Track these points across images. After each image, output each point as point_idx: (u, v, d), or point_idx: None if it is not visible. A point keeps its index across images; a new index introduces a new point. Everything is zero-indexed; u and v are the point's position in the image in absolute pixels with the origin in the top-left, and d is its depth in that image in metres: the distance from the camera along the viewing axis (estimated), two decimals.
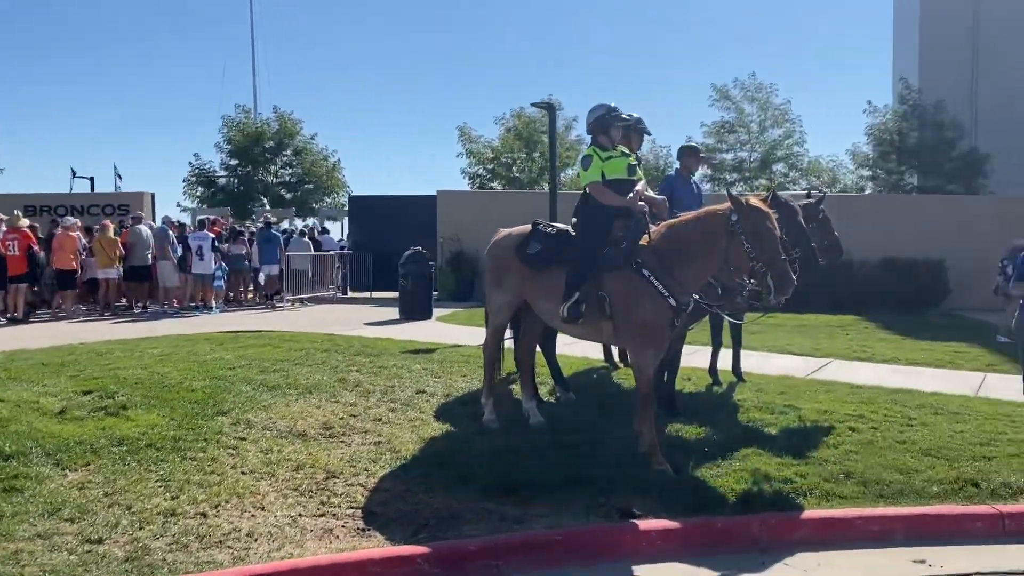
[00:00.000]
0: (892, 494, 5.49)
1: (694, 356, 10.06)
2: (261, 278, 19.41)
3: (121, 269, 17.12)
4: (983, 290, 15.88)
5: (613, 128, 6.48)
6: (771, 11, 72.31)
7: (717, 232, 5.68)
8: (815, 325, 15.09)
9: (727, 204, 5.67)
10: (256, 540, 4.51)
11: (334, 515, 4.87)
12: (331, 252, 21.39)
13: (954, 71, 35.79)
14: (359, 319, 15.59)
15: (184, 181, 34.48)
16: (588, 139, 6.86)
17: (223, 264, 17.72)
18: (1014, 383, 8.23)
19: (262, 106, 37.43)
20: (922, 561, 4.87)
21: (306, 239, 20.19)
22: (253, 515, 4.80)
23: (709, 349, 9.07)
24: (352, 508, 4.99)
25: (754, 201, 5.69)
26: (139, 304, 17.59)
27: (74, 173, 30.75)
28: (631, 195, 6.28)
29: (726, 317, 7.31)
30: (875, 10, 69.80)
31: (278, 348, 10.59)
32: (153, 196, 24.11)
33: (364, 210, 23.35)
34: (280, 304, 18.38)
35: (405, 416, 7.10)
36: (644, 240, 5.97)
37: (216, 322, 14.83)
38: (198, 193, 34.41)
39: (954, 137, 30.62)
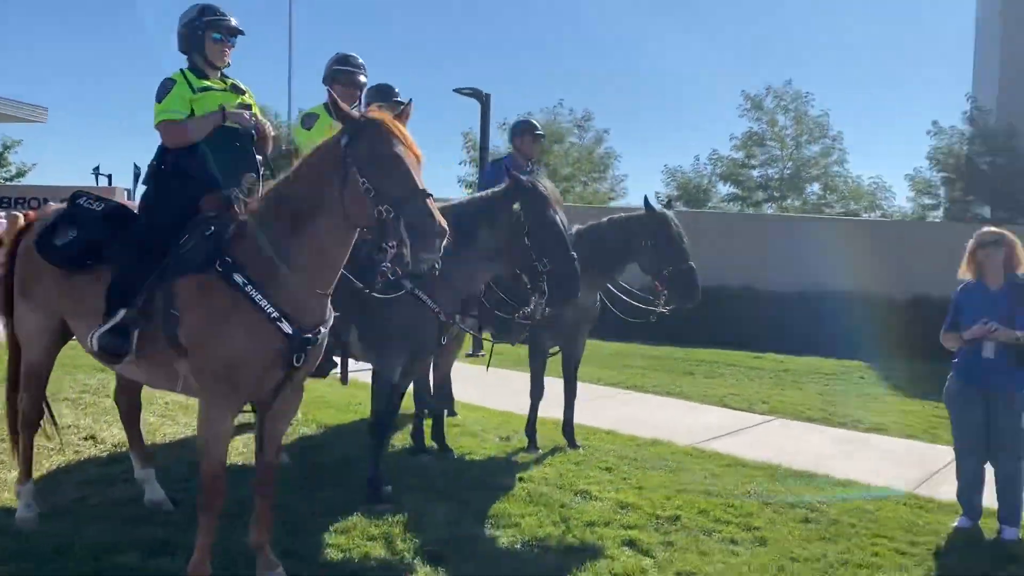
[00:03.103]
0: None
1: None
2: None
3: None
4: None
5: (209, 41, 4.03)
6: (812, 17, 62.54)
7: (325, 172, 3.31)
8: (802, 371, 12.18)
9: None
10: None
11: None
12: None
13: None
14: None
15: None
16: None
17: None
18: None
19: None
20: None
21: None
22: None
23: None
24: None
25: (375, 112, 3.34)
26: None
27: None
28: (248, 116, 4.05)
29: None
30: (940, 25, 60.88)
31: None
32: None
33: None
34: None
35: None
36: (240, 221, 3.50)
37: None
38: None
39: None
